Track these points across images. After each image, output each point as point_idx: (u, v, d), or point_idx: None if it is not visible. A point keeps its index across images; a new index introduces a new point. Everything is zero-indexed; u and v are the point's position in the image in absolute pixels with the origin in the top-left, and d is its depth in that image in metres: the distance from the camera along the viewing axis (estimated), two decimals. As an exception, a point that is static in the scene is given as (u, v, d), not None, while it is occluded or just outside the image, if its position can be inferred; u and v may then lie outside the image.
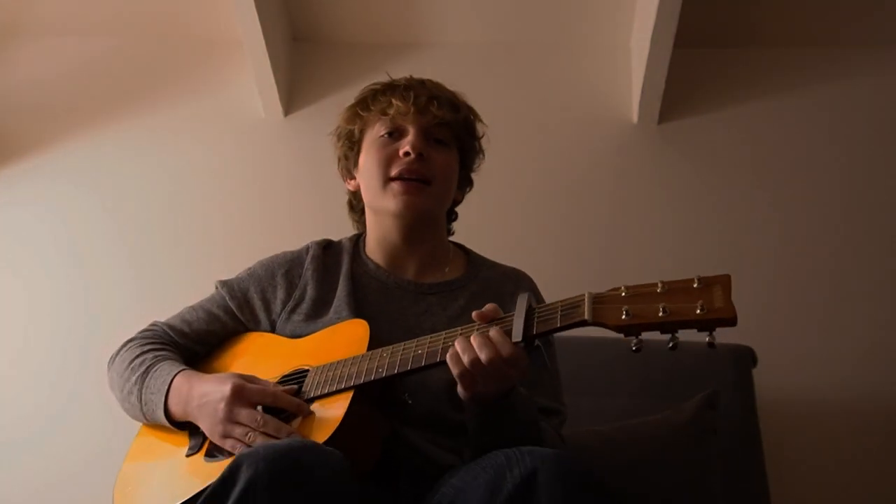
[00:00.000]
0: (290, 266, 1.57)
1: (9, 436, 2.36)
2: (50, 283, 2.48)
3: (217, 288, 1.59)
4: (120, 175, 2.57)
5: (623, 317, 1.12)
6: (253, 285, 1.57)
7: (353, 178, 1.62)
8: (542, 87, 2.59)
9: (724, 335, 2.06)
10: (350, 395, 1.28)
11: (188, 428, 1.42)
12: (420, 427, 1.37)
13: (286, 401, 1.33)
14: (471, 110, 1.61)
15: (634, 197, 2.49)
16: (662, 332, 1.11)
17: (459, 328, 1.28)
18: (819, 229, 2.43)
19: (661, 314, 1.10)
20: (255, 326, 1.56)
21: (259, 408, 1.32)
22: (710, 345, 1.10)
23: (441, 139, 1.54)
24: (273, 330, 1.54)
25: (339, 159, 1.64)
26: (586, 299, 1.17)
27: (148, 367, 1.47)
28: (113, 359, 1.57)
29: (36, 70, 2.66)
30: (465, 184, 1.66)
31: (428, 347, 1.27)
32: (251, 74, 2.50)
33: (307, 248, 1.60)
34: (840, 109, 2.53)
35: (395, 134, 1.53)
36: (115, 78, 2.66)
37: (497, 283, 1.56)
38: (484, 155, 1.66)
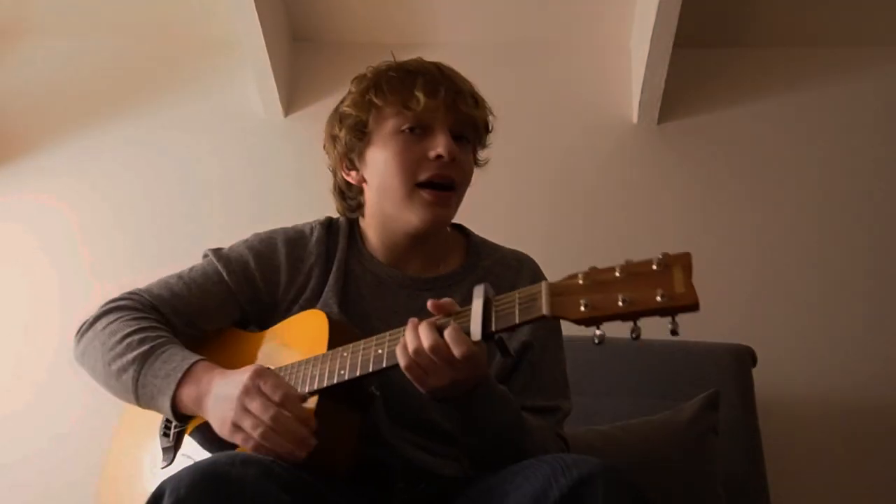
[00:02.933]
0: (293, 246, 1.45)
1: (17, 431, 2.36)
2: (50, 282, 2.48)
3: (213, 262, 1.45)
4: (120, 175, 2.57)
5: (582, 309, 1.07)
6: (253, 259, 1.43)
7: (354, 169, 1.45)
8: (542, 87, 2.60)
9: (724, 335, 2.09)
10: (315, 399, 1.24)
11: (165, 435, 1.37)
12: (411, 434, 1.34)
13: (295, 408, 1.20)
14: (485, 102, 1.48)
15: (634, 197, 2.49)
16: (623, 321, 1.07)
17: (435, 319, 1.20)
18: (819, 229, 2.43)
19: (620, 304, 1.05)
20: (254, 306, 1.43)
21: None
22: (673, 332, 1.04)
23: (463, 135, 1.42)
24: (276, 308, 1.43)
25: (336, 147, 1.46)
26: (543, 291, 1.11)
27: (153, 347, 1.32)
28: (89, 326, 1.41)
29: (36, 70, 2.67)
30: None
31: (388, 346, 1.21)
32: (251, 74, 2.50)
33: (311, 229, 1.47)
34: (840, 109, 2.53)
35: (419, 130, 1.39)
36: (116, 78, 2.66)
37: (496, 274, 1.46)
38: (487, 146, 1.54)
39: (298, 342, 1.33)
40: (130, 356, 1.32)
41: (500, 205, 2.43)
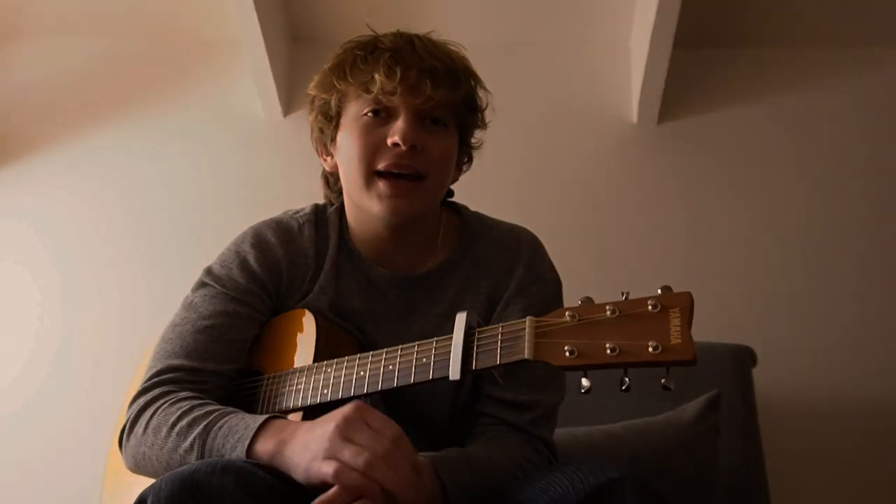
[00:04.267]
0: (285, 238, 1.37)
1: (18, 432, 2.36)
2: (50, 281, 2.48)
3: (211, 285, 1.34)
4: (120, 175, 2.57)
5: (567, 355, 0.99)
6: (254, 264, 1.34)
7: (329, 154, 1.38)
8: (542, 87, 2.59)
9: (724, 335, 2.09)
10: (299, 415, 1.23)
11: None
12: (413, 438, 1.29)
13: (409, 452, 1.08)
14: (473, 77, 1.36)
15: (634, 197, 2.49)
16: (613, 369, 0.99)
17: (416, 345, 1.14)
18: (819, 228, 2.43)
19: (609, 352, 0.97)
20: (267, 306, 1.35)
21: None
22: (665, 388, 0.97)
23: (437, 118, 1.31)
24: (281, 303, 1.35)
25: (312, 130, 1.39)
26: (527, 331, 1.03)
27: (213, 421, 1.17)
28: (129, 431, 1.24)
29: (36, 70, 2.66)
30: (464, 161, 1.43)
31: (370, 371, 1.16)
32: (251, 74, 2.50)
33: (299, 225, 1.39)
34: (839, 109, 2.52)
35: (382, 113, 1.29)
36: (115, 78, 2.66)
37: (491, 259, 1.37)
38: (486, 125, 1.42)
39: (289, 344, 1.30)
40: (190, 438, 1.16)
41: (499, 205, 2.41)
